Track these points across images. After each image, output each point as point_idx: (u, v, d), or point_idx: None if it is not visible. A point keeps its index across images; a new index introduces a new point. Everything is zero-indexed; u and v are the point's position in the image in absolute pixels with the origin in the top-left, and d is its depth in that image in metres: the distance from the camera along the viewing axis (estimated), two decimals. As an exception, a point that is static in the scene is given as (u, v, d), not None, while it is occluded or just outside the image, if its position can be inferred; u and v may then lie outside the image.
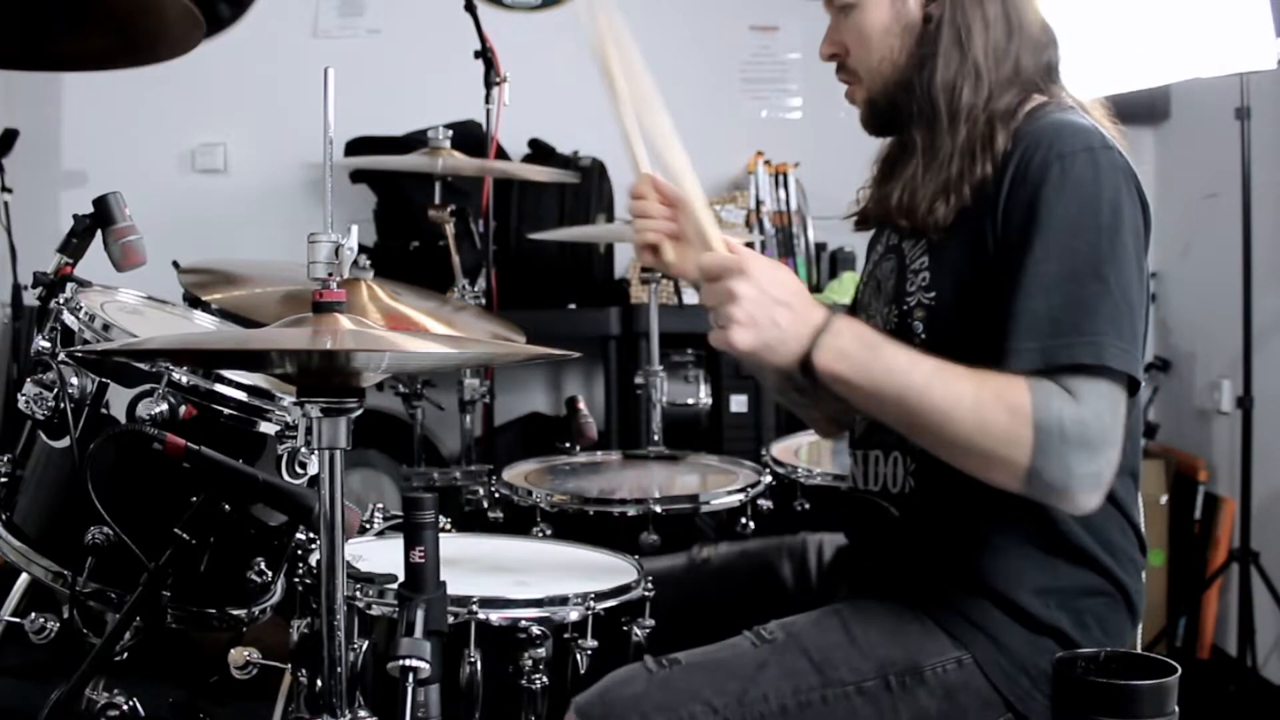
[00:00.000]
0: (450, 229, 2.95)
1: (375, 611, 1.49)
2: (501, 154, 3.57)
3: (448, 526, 1.94)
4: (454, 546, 1.75)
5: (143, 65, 1.77)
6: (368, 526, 1.87)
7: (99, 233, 1.84)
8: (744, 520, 2.18)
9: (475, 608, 1.45)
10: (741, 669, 1.43)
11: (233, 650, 1.75)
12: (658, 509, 2.09)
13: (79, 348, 1.65)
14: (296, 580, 1.66)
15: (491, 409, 3.32)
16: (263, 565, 1.76)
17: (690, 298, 3.76)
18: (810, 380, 1.39)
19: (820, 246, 4.01)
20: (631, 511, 2.10)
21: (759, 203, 3.93)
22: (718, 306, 1.38)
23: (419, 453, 3.15)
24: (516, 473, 2.35)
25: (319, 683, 1.40)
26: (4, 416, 3.48)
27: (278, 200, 4.06)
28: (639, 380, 2.77)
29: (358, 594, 1.49)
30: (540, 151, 3.98)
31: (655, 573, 1.65)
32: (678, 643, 1.49)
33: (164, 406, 1.61)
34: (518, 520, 2.18)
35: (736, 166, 4.04)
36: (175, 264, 2.29)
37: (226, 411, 1.70)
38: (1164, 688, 1.19)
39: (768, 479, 2.31)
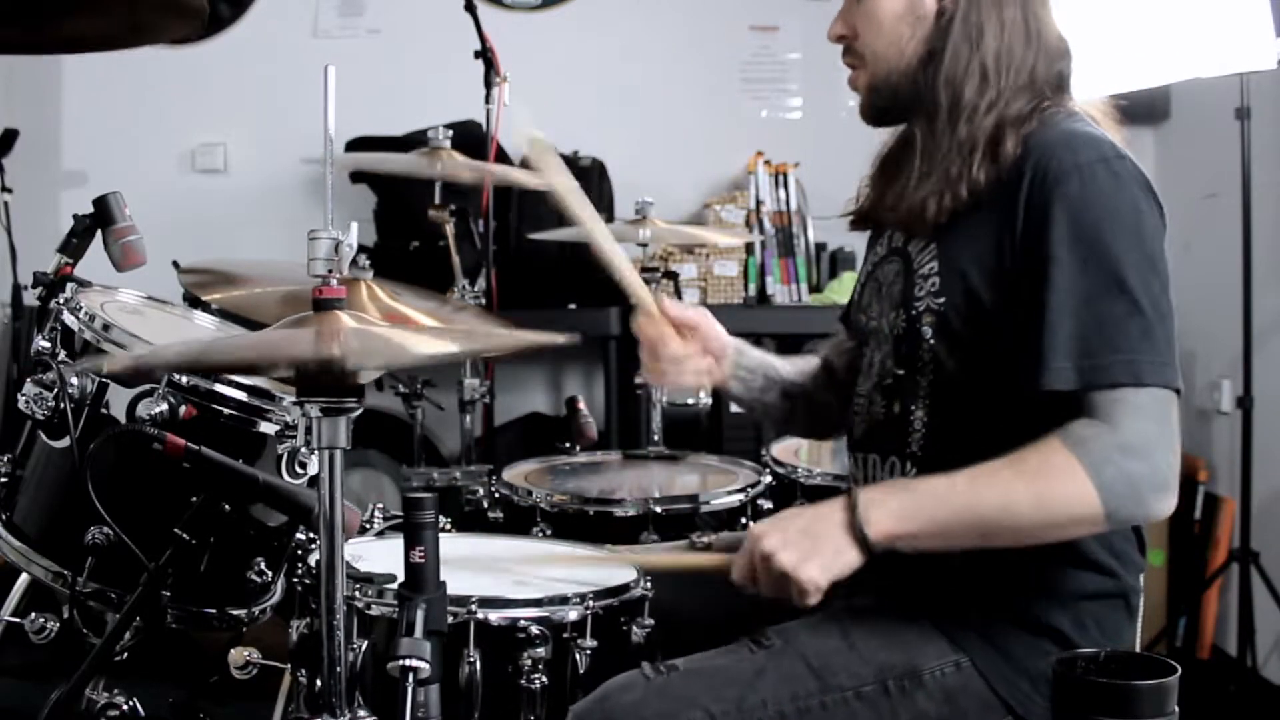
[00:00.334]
0: (450, 229, 2.95)
1: (375, 611, 1.49)
2: (501, 154, 3.57)
3: (448, 526, 1.94)
4: (454, 546, 1.75)
5: (144, 46, 1.75)
6: (368, 526, 1.87)
7: (99, 233, 1.84)
8: (744, 520, 2.18)
9: (475, 607, 1.45)
10: (740, 675, 1.42)
11: (233, 650, 1.75)
12: (658, 509, 2.09)
13: (84, 363, 1.64)
14: (296, 580, 1.66)
15: (491, 409, 3.32)
16: (263, 565, 1.76)
17: (690, 298, 3.76)
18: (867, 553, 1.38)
19: (820, 246, 4.01)
20: (631, 511, 2.10)
21: (759, 203, 3.93)
22: (771, 579, 1.38)
23: (419, 453, 3.15)
24: (516, 473, 2.35)
25: (319, 683, 1.40)
26: (4, 416, 3.49)
27: (278, 200, 4.06)
28: (639, 380, 2.77)
29: (357, 594, 1.49)
30: (540, 151, 3.97)
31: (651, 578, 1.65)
32: (674, 644, 1.49)
33: (164, 406, 1.61)
34: (518, 520, 2.18)
35: (736, 166, 4.04)
36: (175, 264, 2.29)
37: (226, 411, 1.70)
38: (1164, 688, 1.19)
39: (768, 479, 2.31)
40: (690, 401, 3.17)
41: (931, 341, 1.48)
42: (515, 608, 1.49)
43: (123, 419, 1.65)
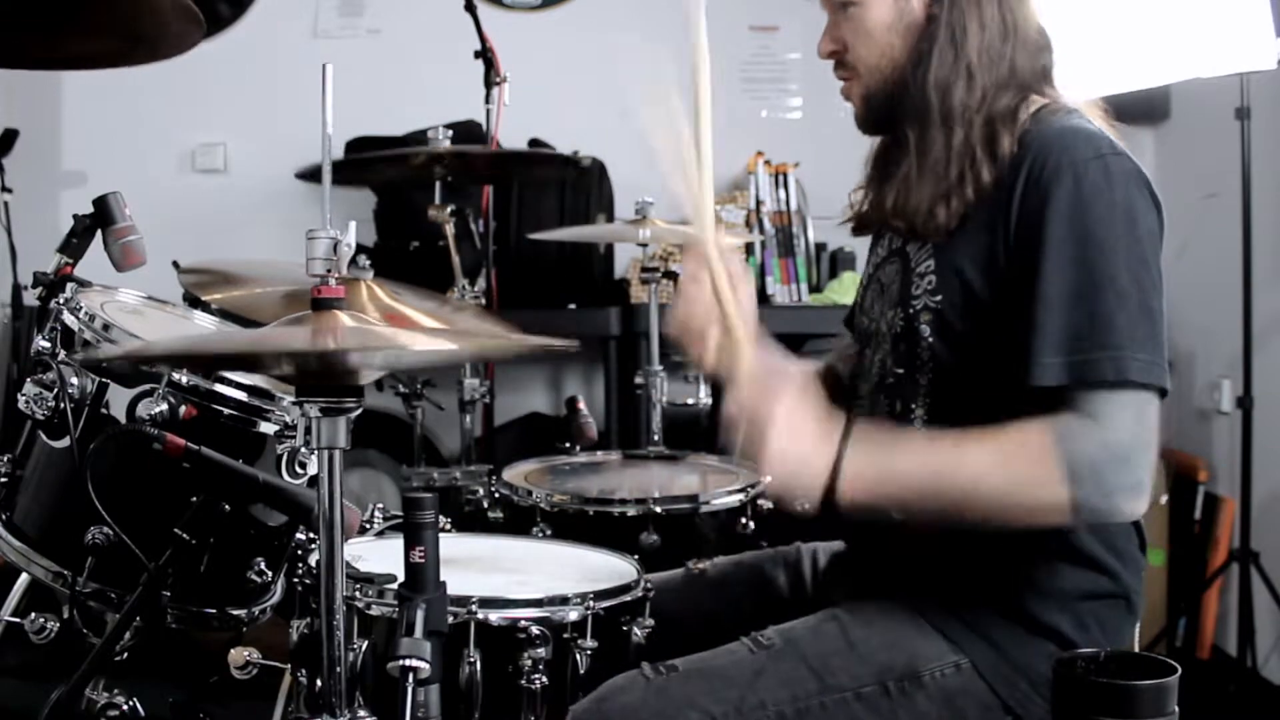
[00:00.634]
0: (450, 229, 2.94)
1: (375, 611, 1.49)
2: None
3: (448, 526, 1.94)
4: (454, 546, 1.75)
5: (143, 64, 1.77)
6: (368, 526, 1.86)
7: (99, 233, 1.84)
8: (744, 520, 2.17)
9: (475, 608, 1.45)
10: (739, 676, 1.42)
11: (233, 650, 1.74)
12: (658, 509, 2.09)
13: (85, 355, 1.64)
14: (296, 580, 1.66)
15: (491, 409, 3.33)
16: (263, 565, 1.76)
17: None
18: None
19: (820, 246, 4.01)
20: (631, 511, 2.10)
21: (759, 203, 3.93)
22: (745, 438, 1.40)
23: (419, 453, 3.16)
24: (516, 473, 2.35)
25: (319, 683, 1.39)
26: (4, 416, 3.49)
27: (277, 200, 4.06)
28: (639, 380, 2.77)
29: (357, 594, 1.49)
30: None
31: (651, 584, 1.65)
32: (675, 649, 1.49)
33: (164, 406, 1.61)
34: (518, 520, 2.17)
35: (736, 166, 4.03)
36: (175, 264, 2.29)
37: (226, 411, 1.70)
38: (1164, 688, 1.19)
39: (768, 479, 2.30)
40: (690, 401, 3.17)
41: (930, 340, 1.48)
42: (515, 608, 1.49)
43: (123, 419, 1.65)
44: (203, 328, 2.05)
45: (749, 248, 3.89)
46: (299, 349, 1.19)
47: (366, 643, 1.46)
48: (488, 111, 3.06)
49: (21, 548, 1.71)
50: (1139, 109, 3.61)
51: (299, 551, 1.74)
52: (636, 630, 1.55)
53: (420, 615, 1.24)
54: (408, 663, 1.21)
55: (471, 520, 2.49)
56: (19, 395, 1.68)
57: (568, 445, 2.57)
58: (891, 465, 1.40)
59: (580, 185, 3.81)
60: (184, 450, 1.53)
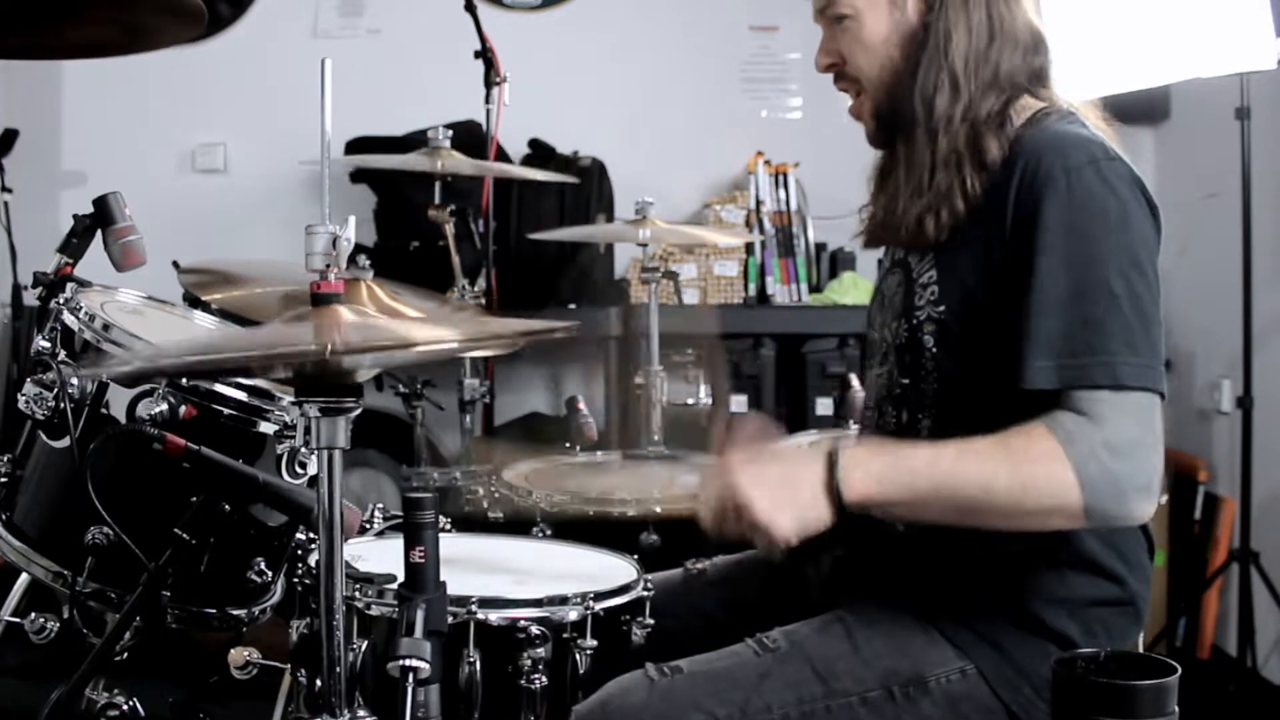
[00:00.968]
0: (450, 229, 2.95)
1: (375, 611, 1.49)
2: (501, 154, 3.57)
3: (448, 526, 1.94)
4: (454, 546, 1.75)
5: (142, 53, 1.76)
6: (368, 526, 1.86)
7: (99, 233, 1.83)
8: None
9: (475, 608, 1.45)
10: (744, 678, 1.42)
11: (233, 650, 1.74)
12: (658, 509, 2.09)
13: (92, 367, 1.64)
14: (296, 580, 1.66)
15: (491, 409, 3.33)
16: (263, 565, 1.76)
17: (690, 298, 3.76)
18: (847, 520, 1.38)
19: (820, 246, 4.01)
20: (631, 511, 2.10)
21: (759, 203, 3.93)
22: (741, 526, 1.37)
23: (419, 453, 3.15)
24: (516, 473, 2.35)
25: (319, 683, 1.39)
26: (4, 416, 3.49)
27: (277, 200, 4.06)
28: (639, 380, 2.77)
29: (357, 594, 1.49)
30: (540, 151, 3.98)
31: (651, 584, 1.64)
32: (675, 649, 1.49)
33: (164, 406, 1.61)
34: (518, 520, 2.17)
35: (736, 166, 4.04)
36: (175, 264, 2.29)
37: (226, 411, 1.70)
38: (1164, 688, 1.19)
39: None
40: (690, 401, 3.17)
41: (934, 350, 1.48)
42: (515, 608, 1.49)
43: (123, 419, 1.64)
44: (203, 328, 2.05)
45: (749, 248, 3.89)
46: (303, 350, 1.19)
47: (366, 643, 1.46)
48: (488, 111, 3.06)
49: (21, 548, 1.71)
50: (1139, 109, 3.61)
51: (299, 551, 1.74)
52: (636, 630, 1.55)
53: (420, 615, 1.24)
54: (408, 663, 1.21)
55: (471, 520, 2.49)
56: (19, 395, 1.68)
57: (568, 445, 2.57)
58: (898, 467, 1.38)
59: (580, 185, 3.81)
60: (184, 450, 1.53)
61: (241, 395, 1.70)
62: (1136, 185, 1.41)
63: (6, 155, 3.78)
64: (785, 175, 3.94)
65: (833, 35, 1.57)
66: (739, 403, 3.60)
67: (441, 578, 1.28)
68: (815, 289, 3.95)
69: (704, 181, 4.15)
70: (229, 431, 1.69)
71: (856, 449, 1.39)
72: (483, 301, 3.02)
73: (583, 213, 3.84)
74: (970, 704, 1.44)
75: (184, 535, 1.55)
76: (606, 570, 1.67)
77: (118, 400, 1.67)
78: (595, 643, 1.50)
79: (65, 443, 1.66)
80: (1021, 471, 1.33)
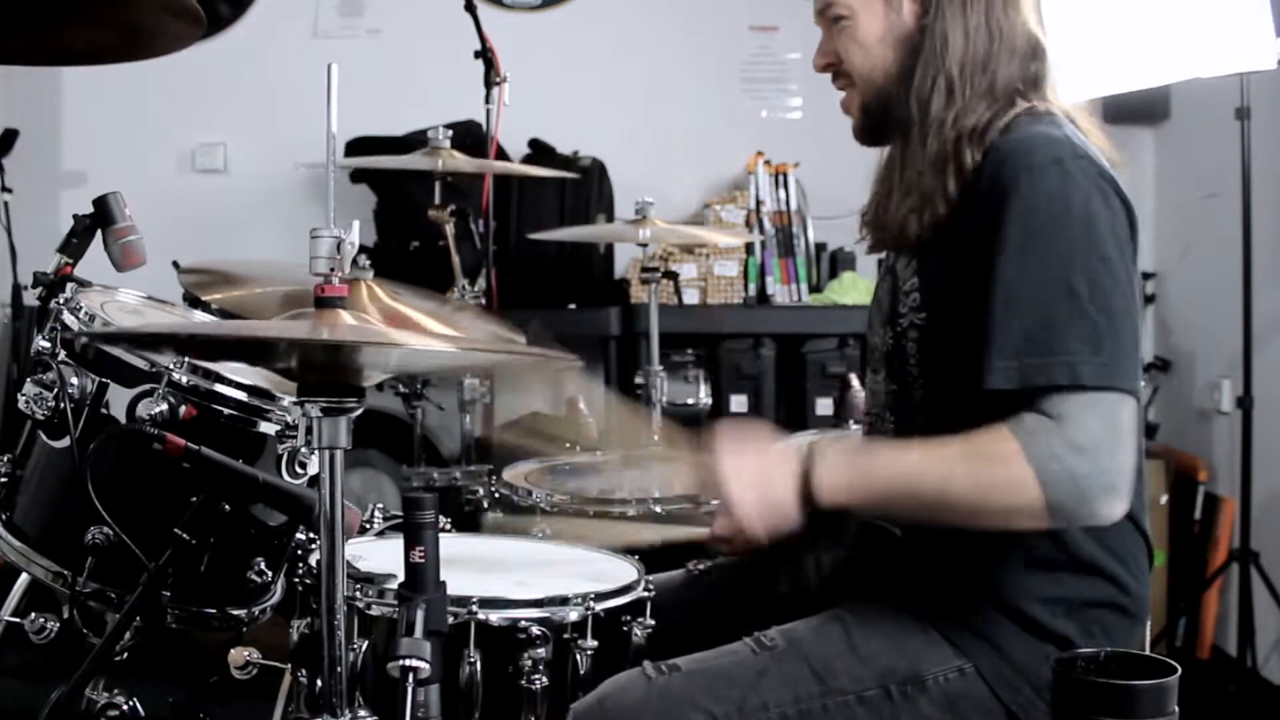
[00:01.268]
0: (450, 229, 2.95)
1: (375, 611, 1.49)
2: (501, 154, 3.57)
3: (448, 526, 1.94)
4: (454, 546, 1.75)
5: (142, 59, 1.76)
6: (368, 526, 1.86)
7: (99, 233, 1.84)
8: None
9: (475, 608, 1.45)
10: (741, 677, 1.42)
11: (233, 650, 1.74)
12: (658, 509, 2.09)
13: (90, 329, 1.64)
14: (296, 580, 1.66)
15: (491, 409, 3.32)
16: (263, 565, 1.76)
17: (690, 298, 3.76)
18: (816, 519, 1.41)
19: (820, 246, 4.01)
20: (631, 511, 2.10)
21: (759, 203, 3.93)
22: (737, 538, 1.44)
23: (419, 453, 3.15)
24: (516, 473, 2.35)
25: (319, 683, 1.39)
26: (4, 416, 3.49)
27: (278, 200, 4.06)
28: (639, 380, 2.77)
29: (358, 594, 1.49)
30: (540, 151, 3.98)
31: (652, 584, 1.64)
32: (676, 649, 1.49)
33: (164, 406, 1.61)
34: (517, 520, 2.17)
35: (736, 166, 4.04)
36: (175, 264, 2.29)
37: (226, 411, 1.70)
38: (1164, 688, 1.19)
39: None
40: (690, 401, 3.17)
41: (919, 356, 1.49)
42: (516, 608, 1.49)
43: (123, 419, 1.65)
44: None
45: (749, 248, 3.89)
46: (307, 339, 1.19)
47: (366, 643, 1.46)
48: (488, 111, 3.06)
49: (21, 548, 1.71)
50: (1139, 109, 3.61)
51: (299, 551, 1.74)
52: (637, 631, 1.55)
53: (420, 615, 1.24)
54: (408, 663, 1.21)
55: (471, 520, 2.49)
56: (19, 395, 1.68)
57: (568, 445, 2.57)
58: (867, 467, 1.41)
59: (580, 185, 3.81)
60: (184, 450, 1.53)
61: (242, 395, 1.70)
62: (1105, 181, 1.40)
63: (6, 155, 3.78)
64: (785, 175, 3.94)
65: (830, 36, 1.58)
66: (739, 403, 3.61)
67: (441, 578, 1.28)
68: (815, 289, 3.95)
69: (704, 181, 4.15)
70: (229, 431, 1.69)
71: (830, 451, 1.41)
72: (483, 301, 3.02)
73: (583, 213, 3.84)
74: (968, 703, 1.44)
75: (184, 535, 1.55)
76: (607, 571, 1.67)
77: (118, 400, 1.67)
78: (596, 643, 1.50)
79: (65, 443, 1.66)
80: (981, 471, 1.34)
